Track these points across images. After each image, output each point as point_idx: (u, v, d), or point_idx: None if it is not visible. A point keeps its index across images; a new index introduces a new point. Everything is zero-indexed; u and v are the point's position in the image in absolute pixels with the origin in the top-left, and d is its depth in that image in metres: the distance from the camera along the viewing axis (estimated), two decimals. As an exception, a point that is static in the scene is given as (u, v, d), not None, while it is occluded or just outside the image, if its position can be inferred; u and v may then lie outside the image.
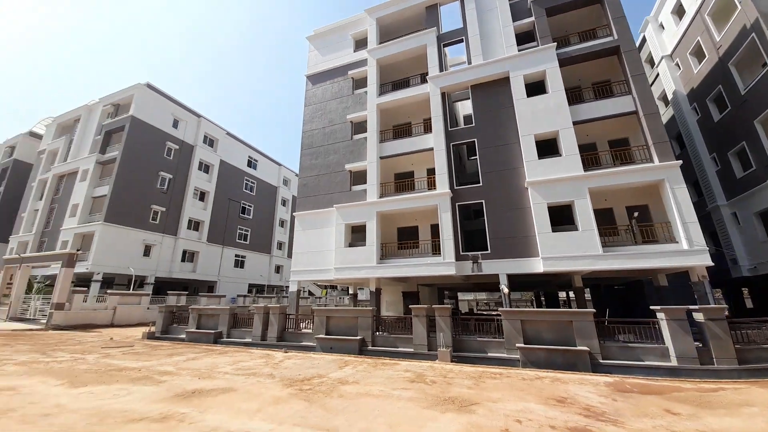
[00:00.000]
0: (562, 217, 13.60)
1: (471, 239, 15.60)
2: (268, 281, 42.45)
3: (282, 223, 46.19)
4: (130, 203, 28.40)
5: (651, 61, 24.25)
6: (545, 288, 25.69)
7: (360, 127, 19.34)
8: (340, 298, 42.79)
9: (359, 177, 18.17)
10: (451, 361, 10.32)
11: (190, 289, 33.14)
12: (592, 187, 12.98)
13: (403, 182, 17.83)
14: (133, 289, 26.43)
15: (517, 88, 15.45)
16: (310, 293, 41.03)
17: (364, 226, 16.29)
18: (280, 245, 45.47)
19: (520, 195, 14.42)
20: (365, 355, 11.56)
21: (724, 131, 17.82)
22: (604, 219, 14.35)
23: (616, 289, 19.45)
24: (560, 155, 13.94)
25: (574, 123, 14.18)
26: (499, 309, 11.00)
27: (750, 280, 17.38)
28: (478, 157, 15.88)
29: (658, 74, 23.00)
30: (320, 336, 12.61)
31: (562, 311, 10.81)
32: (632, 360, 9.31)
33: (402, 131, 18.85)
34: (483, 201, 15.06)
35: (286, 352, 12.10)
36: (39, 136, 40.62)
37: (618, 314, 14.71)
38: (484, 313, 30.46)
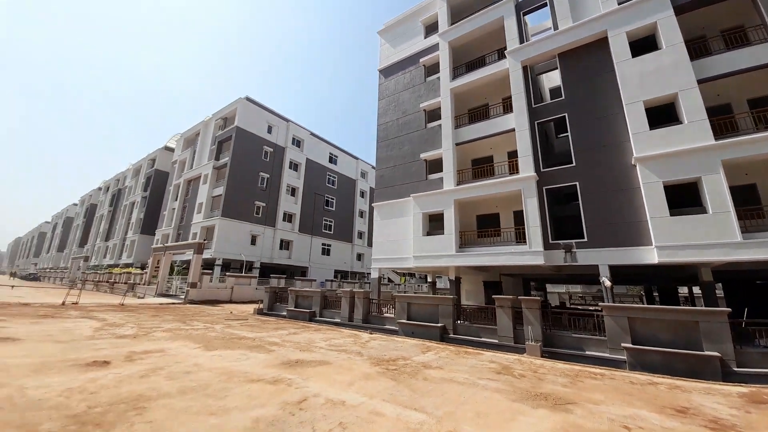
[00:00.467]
0: (683, 198, 11.32)
1: (562, 226, 14.14)
2: (351, 268, 45.73)
3: (361, 214, 48.97)
4: (239, 200, 33.57)
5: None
6: (659, 282, 21.85)
7: (433, 114, 19.01)
8: (419, 285, 43.49)
9: (435, 165, 17.96)
10: (542, 356, 9.69)
11: (287, 273, 37.63)
12: (726, 159, 10.48)
13: (481, 168, 16.98)
14: (244, 273, 31.25)
15: (619, 49, 13.20)
16: (390, 280, 42.69)
17: (442, 214, 16.10)
18: (360, 234, 48.49)
19: (624, 174, 12.45)
20: (446, 342, 11.62)
21: None
22: (744, 198, 11.49)
23: (759, 285, 15.46)
24: (680, 122, 11.55)
25: (699, 81, 11.53)
26: (600, 304, 9.83)
27: None
28: (569, 134, 14.17)
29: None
30: (402, 321, 13.09)
31: (684, 309, 9.11)
32: (784, 372, 7.42)
33: (478, 114, 17.92)
34: (577, 183, 13.44)
35: (371, 333, 12.92)
36: (171, 149, 50.32)
37: (760, 315, 11.69)
38: (579, 307, 27.48)
